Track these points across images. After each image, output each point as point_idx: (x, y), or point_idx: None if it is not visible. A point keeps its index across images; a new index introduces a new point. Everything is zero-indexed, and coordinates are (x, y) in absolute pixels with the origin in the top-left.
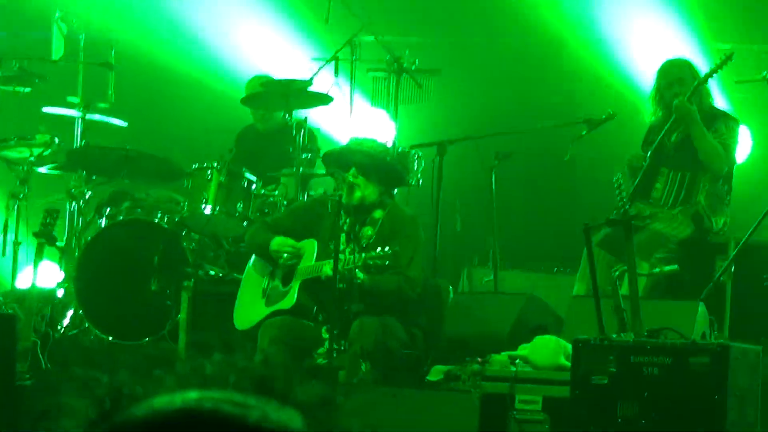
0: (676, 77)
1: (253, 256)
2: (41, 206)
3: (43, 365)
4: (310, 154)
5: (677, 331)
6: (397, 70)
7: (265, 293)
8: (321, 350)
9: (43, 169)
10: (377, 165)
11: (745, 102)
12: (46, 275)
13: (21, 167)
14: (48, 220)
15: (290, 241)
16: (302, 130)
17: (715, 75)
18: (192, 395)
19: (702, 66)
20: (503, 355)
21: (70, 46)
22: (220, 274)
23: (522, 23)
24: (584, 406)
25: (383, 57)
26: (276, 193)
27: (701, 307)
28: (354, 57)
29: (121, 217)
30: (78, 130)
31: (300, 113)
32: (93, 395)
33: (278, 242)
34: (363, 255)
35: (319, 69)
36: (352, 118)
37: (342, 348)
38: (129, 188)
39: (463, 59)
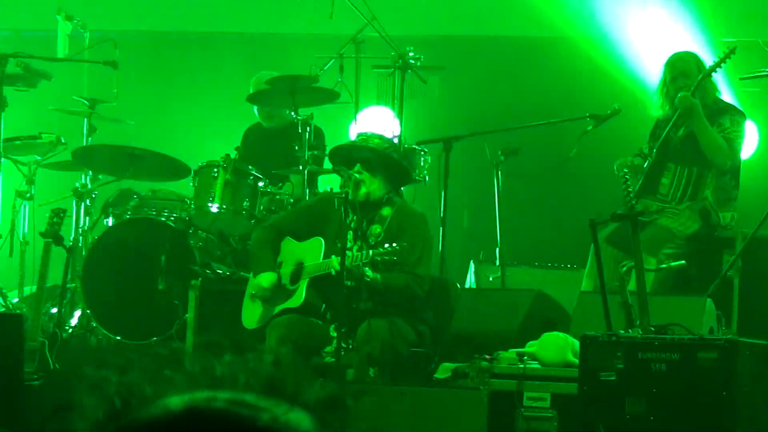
0: (680, 70)
1: None
2: (48, 206)
3: (51, 365)
4: (316, 152)
5: (685, 326)
6: (401, 66)
7: (273, 292)
8: (329, 348)
9: (49, 169)
10: (382, 161)
11: (751, 96)
12: (53, 275)
13: (27, 167)
14: (55, 220)
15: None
16: (308, 128)
17: (719, 69)
18: (202, 396)
19: (708, 60)
20: (511, 352)
21: (75, 46)
22: (228, 273)
23: (527, 18)
24: (592, 403)
25: (388, 53)
26: (282, 190)
27: (709, 303)
28: (359, 54)
29: (127, 216)
30: (84, 129)
31: (306, 111)
32: (103, 395)
33: (262, 278)
34: (371, 252)
35: (325, 66)
36: (358, 114)
37: (350, 346)
38: (135, 187)
39: (468, 55)
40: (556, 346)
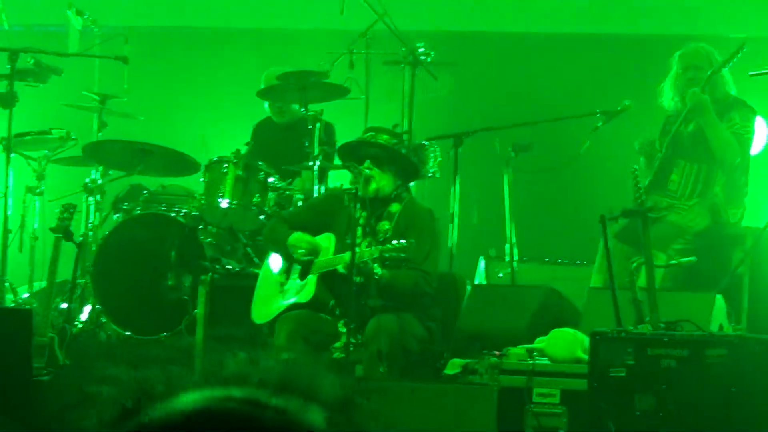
0: (691, 63)
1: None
2: (58, 201)
3: (61, 360)
4: (326, 147)
5: (694, 323)
6: (412, 62)
7: (282, 287)
8: (338, 344)
9: (59, 164)
10: (392, 156)
11: (761, 92)
12: (63, 270)
13: (37, 162)
14: (65, 215)
15: (307, 237)
16: (318, 123)
17: (730, 64)
18: (215, 394)
19: (719, 54)
20: (520, 348)
21: (86, 41)
22: (237, 268)
23: (538, 13)
24: (602, 399)
25: (398, 49)
26: (293, 186)
27: (719, 299)
28: (369, 49)
29: (137, 212)
30: (94, 125)
31: (316, 106)
32: (116, 392)
33: (295, 237)
34: (379, 248)
35: (335, 61)
36: (368, 111)
37: (359, 342)
38: (145, 182)
39: (479, 51)
40: (566, 343)
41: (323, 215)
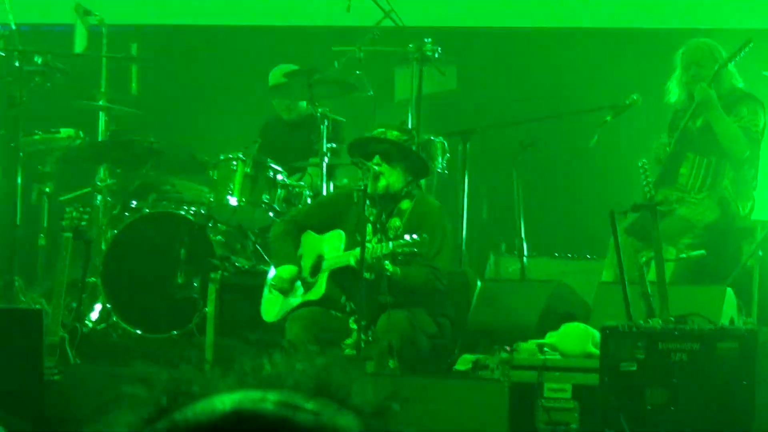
0: (694, 60)
1: None
2: (67, 200)
3: (72, 360)
4: (335, 144)
5: (705, 316)
6: (419, 58)
7: (292, 284)
8: (349, 341)
9: (68, 164)
10: (401, 153)
11: None
12: (73, 270)
13: (46, 162)
14: (74, 215)
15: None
16: (326, 120)
17: (736, 59)
18: (250, 396)
19: (726, 49)
20: (531, 343)
21: (93, 39)
22: (247, 266)
23: (545, 9)
24: (613, 394)
25: (405, 46)
26: (302, 183)
27: (729, 292)
28: (376, 46)
29: (146, 210)
30: (102, 123)
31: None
32: (150, 391)
33: (283, 270)
34: (390, 244)
35: (342, 59)
36: (376, 107)
37: (370, 339)
38: (154, 181)
39: (487, 46)
40: (577, 337)
41: (333, 212)
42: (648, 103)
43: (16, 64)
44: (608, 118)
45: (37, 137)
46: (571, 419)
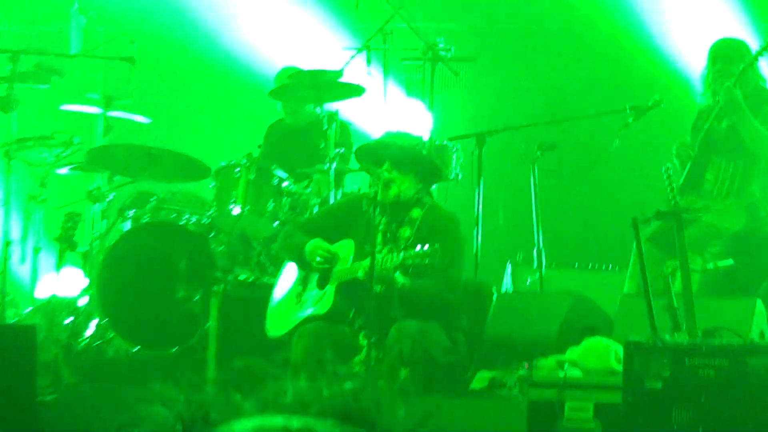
0: (719, 55)
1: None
2: (61, 210)
3: (66, 379)
4: (342, 149)
5: (734, 330)
6: (431, 58)
7: (299, 298)
8: (358, 358)
9: (62, 171)
10: (413, 158)
11: None
12: (68, 283)
13: (40, 169)
14: (69, 224)
15: (325, 245)
16: (334, 124)
17: (762, 57)
18: (272, 422)
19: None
20: (551, 359)
21: (89, 40)
22: (251, 278)
23: (562, 6)
24: (637, 413)
25: (417, 45)
26: (308, 190)
27: (759, 304)
28: (386, 45)
29: (145, 220)
30: (99, 129)
31: (331, 106)
32: (167, 414)
33: (313, 245)
34: (401, 254)
35: (351, 59)
36: (386, 110)
37: (380, 356)
38: (153, 188)
39: (501, 46)
40: (598, 353)
41: (341, 221)
42: (671, 104)
43: (9, 65)
44: (630, 120)
45: (30, 143)
46: None
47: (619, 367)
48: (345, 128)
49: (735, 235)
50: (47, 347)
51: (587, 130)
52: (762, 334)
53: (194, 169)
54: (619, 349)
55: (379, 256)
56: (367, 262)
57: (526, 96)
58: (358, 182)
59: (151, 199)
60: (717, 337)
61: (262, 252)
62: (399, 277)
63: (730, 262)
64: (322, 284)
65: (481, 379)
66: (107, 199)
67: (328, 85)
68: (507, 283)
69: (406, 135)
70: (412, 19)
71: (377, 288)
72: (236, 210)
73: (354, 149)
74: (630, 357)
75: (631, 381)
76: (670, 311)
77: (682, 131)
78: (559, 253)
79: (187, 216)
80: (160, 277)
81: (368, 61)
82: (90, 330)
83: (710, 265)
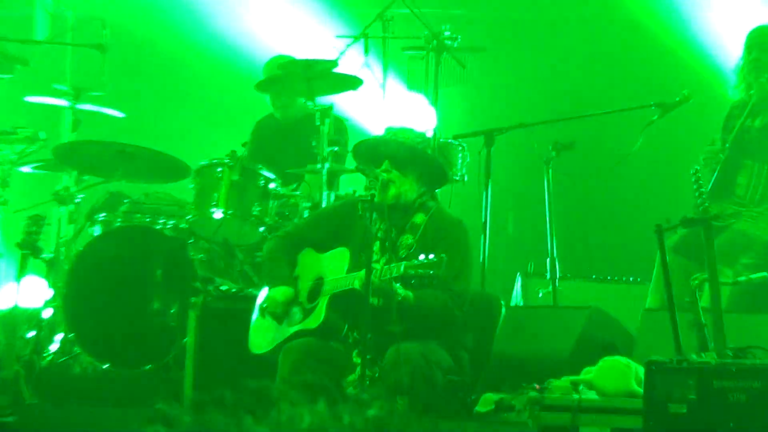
0: (755, 43)
1: None
2: (24, 212)
3: (27, 399)
4: (337, 148)
5: (767, 349)
6: (436, 47)
7: (287, 309)
8: (352, 377)
9: (26, 169)
10: (415, 157)
11: None
12: (31, 293)
13: (1, 167)
14: (32, 229)
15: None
16: (327, 120)
17: None
18: None
19: None
20: (564, 380)
21: (57, 26)
22: (233, 289)
23: None
24: None
25: (420, 33)
26: (298, 193)
27: None
28: (386, 33)
29: (117, 224)
30: (67, 123)
31: (325, 100)
32: None
33: (274, 293)
34: (402, 265)
35: (347, 48)
36: (386, 104)
37: (376, 375)
38: (126, 190)
39: (513, 34)
40: (617, 373)
41: (334, 228)
42: (700, 100)
43: None
44: (655, 117)
45: None
46: None
47: (640, 390)
48: (340, 124)
49: None
50: (7, 363)
51: (607, 128)
52: None
53: (172, 169)
54: (640, 370)
55: (376, 266)
56: (363, 273)
57: (540, 90)
58: (353, 184)
59: (124, 201)
60: (748, 356)
61: (245, 260)
62: (400, 290)
63: (764, 274)
64: (312, 297)
65: (486, 402)
66: (75, 201)
67: (322, 76)
68: (517, 297)
69: (410, 131)
70: (415, 5)
71: (374, 301)
72: (218, 214)
73: (350, 147)
74: (652, 378)
75: (653, 405)
76: (697, 328)
77: (713, 130)
78: (575, 264)
79: (163, 220)
80: (132, 287)
81: (366, 51)
82: (54, 345)
83: (742, 278)
